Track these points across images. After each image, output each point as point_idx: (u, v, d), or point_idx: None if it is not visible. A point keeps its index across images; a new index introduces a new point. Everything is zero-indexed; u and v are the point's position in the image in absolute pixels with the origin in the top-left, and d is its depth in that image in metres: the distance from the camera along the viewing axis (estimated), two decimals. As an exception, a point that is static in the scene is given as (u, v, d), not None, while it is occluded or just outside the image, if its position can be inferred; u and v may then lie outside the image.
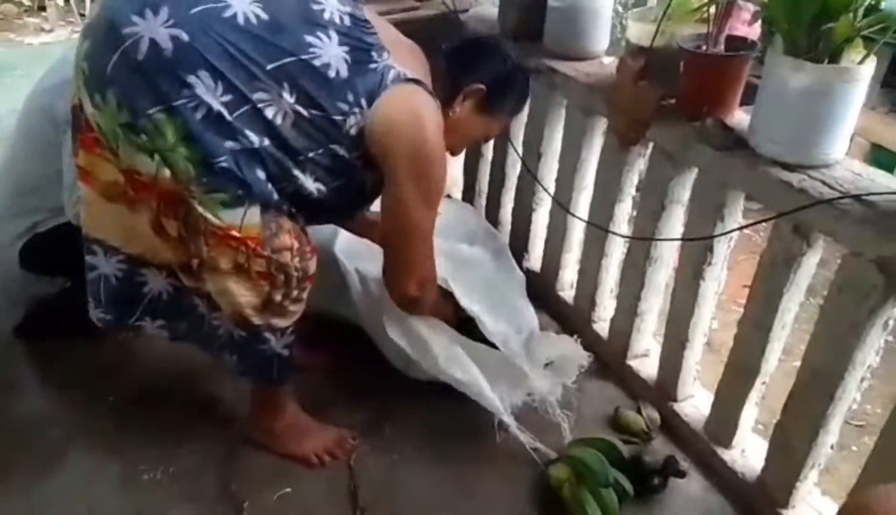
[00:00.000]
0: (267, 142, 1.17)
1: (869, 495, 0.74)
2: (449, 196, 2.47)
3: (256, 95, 1.14)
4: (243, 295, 1.24)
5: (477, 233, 1.93)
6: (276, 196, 1.20)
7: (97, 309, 1.36)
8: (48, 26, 5.07)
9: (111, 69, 1.10)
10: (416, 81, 1.27)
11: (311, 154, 1.22)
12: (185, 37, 1.09)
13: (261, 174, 1.18)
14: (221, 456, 1.52)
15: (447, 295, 1.60)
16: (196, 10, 1.11)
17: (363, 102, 1.21)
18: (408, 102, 1.25)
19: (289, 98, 1.16)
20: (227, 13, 1.13)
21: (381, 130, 1.24)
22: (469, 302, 1.60)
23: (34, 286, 1.78)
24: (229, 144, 1.14)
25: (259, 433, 1.53)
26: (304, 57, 1.16)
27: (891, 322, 1.17)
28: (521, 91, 1.53)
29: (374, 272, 1.62)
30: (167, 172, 1.14)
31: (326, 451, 1.51)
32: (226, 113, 1.12)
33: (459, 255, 1.75)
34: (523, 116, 1.96)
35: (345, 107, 1.20)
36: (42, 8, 5.23)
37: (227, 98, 1.12)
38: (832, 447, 1.31)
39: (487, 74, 1.39)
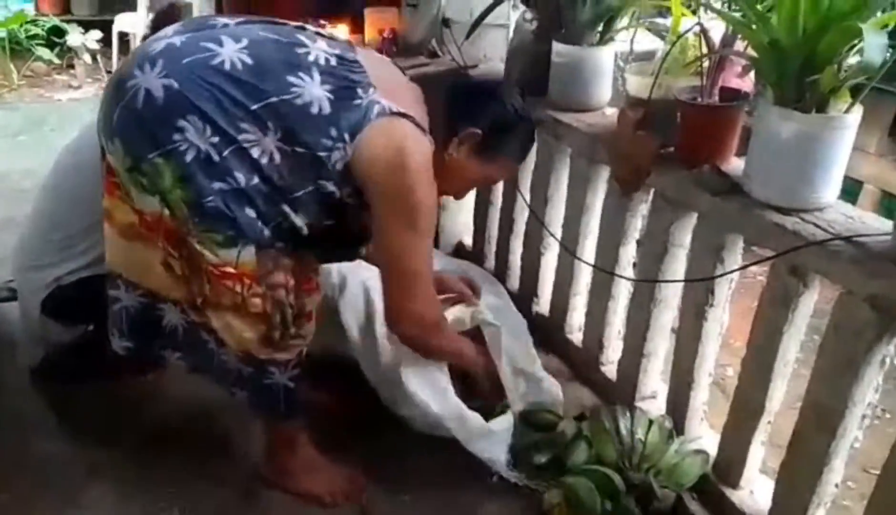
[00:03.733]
0: (255, 180, 1.23)
1: None
2: (461, 242, 2.53)
3: (242, 136, 1.21)
4: (245, 330, 1.30)
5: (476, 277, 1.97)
6: (266, 234, 1.26)
7: (120, 339, 1.43)
8: (76, 83, 5.28)
9: (116, 119, 1.21)
10: (404, 115, 1.30)
11: (299, 193, 1.27)
12: (175, 85, 1.18)
13: (250, 212, 1.24)
14: (237, 495, 1.56)
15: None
16: (187, 60, 1.21)
17: (346, 136, 1.25)
18: (389, 135, 1.27)
19: (273, 137, 1.23)
20: (215, 61, 1.21)
21: (363, 163, 1.27)
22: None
23: (54, 331, 1.84)
24: (217, 184, 1.21)
25: (273, 472, 1.57)
26: (285, 97, 1.23)
27: (887, 360, 1.20)
28: (522, 137, 1.51)
29: (375, 331, 1.69)
30: (168, 213, 1.22)
31: (339, 490, 1.54)
32: (214, 154, 1.20)
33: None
34: (530, 164, 2.03)
35: (328, 142, 1.25)
36: (70, 66, 5.45)
37: (215, 139, 1.19)
38: (837, 485, 1.32)
39: (486, 119, 1.40)
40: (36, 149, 3.69)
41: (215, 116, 1.19)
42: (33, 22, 5.27)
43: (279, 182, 1.25)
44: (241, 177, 1.22)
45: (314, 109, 1.24)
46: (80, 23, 5.34)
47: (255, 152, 1.22)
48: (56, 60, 5.39)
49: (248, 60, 1.22)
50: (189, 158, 1.19)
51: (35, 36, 5.30)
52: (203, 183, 1.20)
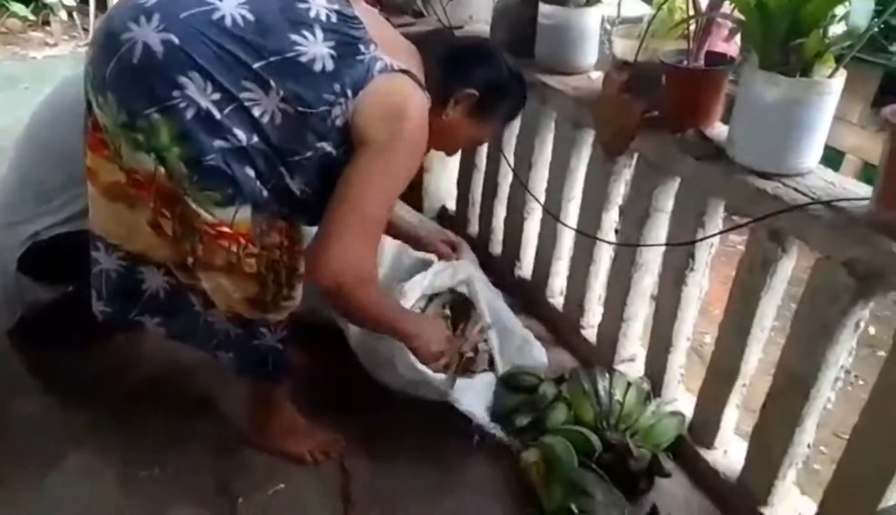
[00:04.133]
0: (255, 139, 1.21)
1: None
2: (445, 207, 2.53)
3: (244, 94, 1.18)
4: (236, 291, 1.29)
5: None
6: (265, 194, 1.24)
7: (99, 302, 1.41)
8: (52, 41, 5.15)
9: (109, 73, 1.17)
10: (405, 72, 1.29)
11: (298, 157, 1.25)
12: (175, 40, 1.14)
13: (249, 172, 1.22)
14: (217, 454, 1.57)
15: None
16: (185, 14, 1.17)
17: (349, 92, 1.23)
18: (390, 90, 1.26)
19: (275, 96, 1.20)
20: (216, 16, 1.18)
21: (363, 117, 1.25)
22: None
23: (32, 291, 1.80)
24: (218, 142, 1.18)
25: (255, 432, 1.57)
26: (289, 55, 1.19)
27: (861, 324, 1.22)
28: (515, 98, 1.52)
29: None
30: (163, 171, 1.19)
31: (320, 450, 1.55)
32: (215, 111, 1.17)
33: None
34: (515, 127, 2.02)
35: (330, 97, 1.22)
36: (46, 23, 5.31)
37: (216, 97, 1.17)
38: (809, 446, 1.35)
39: (481, 80, 1.40)
40: (11, 107, 3.59)
41: (217, 74, 1.16)
42: (7, -24, 5.12)
43: (279, 143, 1.23)
44: (241, 135, 1.19)
45: (317, 67, 1.21)
46: (56, -22, 5.19)
47: (256, 111, 1.20)
48: (31, 17, 5.25)
49: (250, 17, 1.19)
50: (189, 115, 1.16)
51: (9, -9, 5.15)
52: (203, 140, 1.17)
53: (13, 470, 1.52)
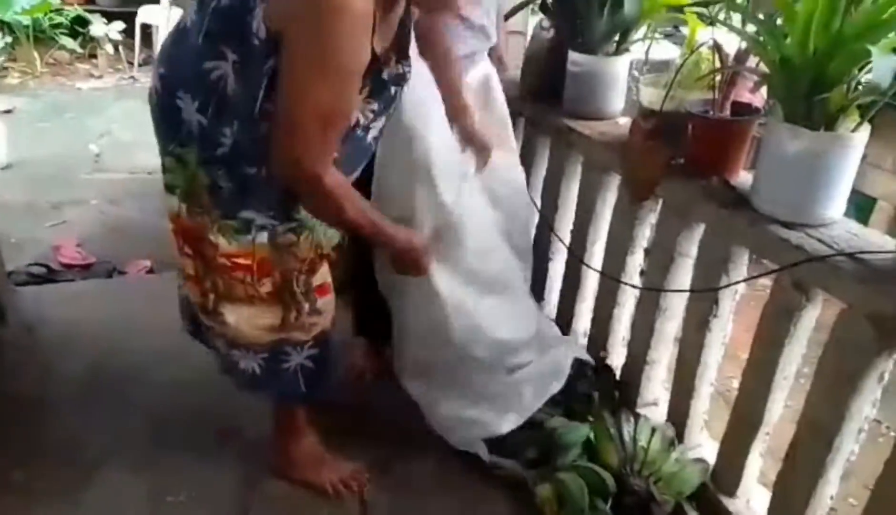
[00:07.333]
0: (236, 126, 1.20)
1: None
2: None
3: (206, 64, 1.16)
4: (262, 317, 1.36)
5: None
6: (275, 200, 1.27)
7: (184, 321, 1.57)
8: (98, 73, 5.37)
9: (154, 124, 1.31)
10: None
11: (261, 89, 1.16)
12: (162, 70, 1.27)
13: (250, 170, 1.23)
14: (242, 484, 1.60)
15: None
16: (169, 46, 1.28)
17: None
18: None
19: (229, 56, 1.15)
20: (181, 28, 1.26)
21: (273, 5, 1.12)
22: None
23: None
24: (219, 150, 1.22)
25: (279, 460, 1.60)
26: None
27: (886, 375, 1.21)
28: None
29: None
30: (185, 207, 1.29)
31: (342, 482, 1.58)
32: (203, 119, 1.21)
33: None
34: (542, 170, 2.06)
35: (251, 4, 1.12)
36: (93, 56, 5.54)
37: (196, 103, 1.20)
38: (831, 497, 1.34)
39: None
40: (56, 136, 3.74)
41: (189, 74, 1.19)
42: (57, 11, 5.37)
43: (243, 96, 1.17)
44: (227, 131, 1.20)
45: None
46: (104, 13, 5.43)
47: (222, 84, 1.16)
48: (79, 50, 5.48)
49: (195, 4, 1.22)
50: (193, 134, 1.22)
51: (59, 25, 5.39)
52: (208, 153, 1.23)
53: (45, 487, 1.57)
